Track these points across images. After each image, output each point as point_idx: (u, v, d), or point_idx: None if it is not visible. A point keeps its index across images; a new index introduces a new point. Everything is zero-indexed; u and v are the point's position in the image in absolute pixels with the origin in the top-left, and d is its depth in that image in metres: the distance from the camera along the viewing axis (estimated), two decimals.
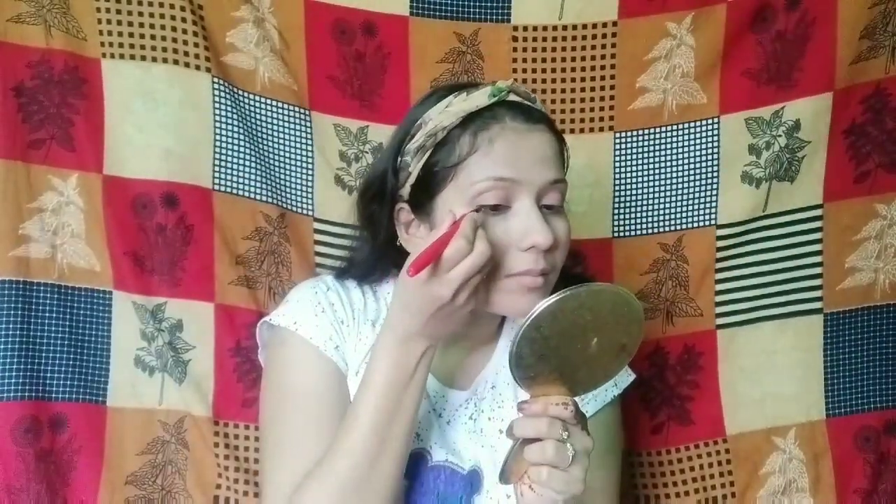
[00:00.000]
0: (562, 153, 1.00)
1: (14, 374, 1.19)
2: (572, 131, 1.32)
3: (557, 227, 0.95)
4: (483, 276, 0.90)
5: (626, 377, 1.13)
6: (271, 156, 1.29)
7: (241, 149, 1.27)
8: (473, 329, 1.02)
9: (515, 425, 0.87)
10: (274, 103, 1.28)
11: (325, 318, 1.02)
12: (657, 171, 1.33)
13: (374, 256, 1.04)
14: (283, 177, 1.29)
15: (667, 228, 1.34)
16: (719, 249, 1.33)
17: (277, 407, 1.02)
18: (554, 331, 0.84)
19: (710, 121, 1.32)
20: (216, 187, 1.27)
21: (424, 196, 0.97)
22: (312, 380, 1.01)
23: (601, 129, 1.33)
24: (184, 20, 1.23)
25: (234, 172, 1.27)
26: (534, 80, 1.31)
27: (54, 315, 1.22)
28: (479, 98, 0.96)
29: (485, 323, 1.04)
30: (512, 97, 0.98)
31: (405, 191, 0.99)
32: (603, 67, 1.31)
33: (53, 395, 1.21)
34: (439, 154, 0.96)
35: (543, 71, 1.31)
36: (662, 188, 1.33)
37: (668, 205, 1.33)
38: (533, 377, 0.86)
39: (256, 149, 1.28)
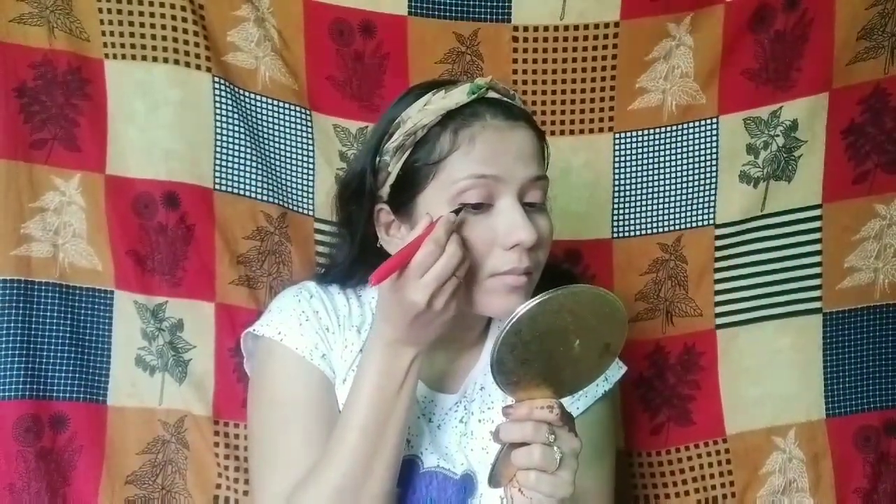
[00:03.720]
0: (542, 150, 0.99)
1: (15, 373, 1.19)
2: (572, 132, 1.32)
3: (540, 225, 0.95)
4: (460, 280, 0.89)
5: (616, 371, 1.11)
6: (272, 155, 1.29)
7: (242, 148, 1.27)
8: (460, 331, 1.01)
9: (501, 430, 0.87)
10: (275, 103, 1.28)
11: (310, 327, 1.02)
12: (657, 172, 1.33)
13: (354, 258, 1.03)
14: (284, 176, 1.29)
15: (666, 228, 1.34)
16: (718, 249, 1.33)
17: (266, 418, 1.01)
18: (534, 335, 0.83)
19: (709, 121, 1.32)
20: (217, 187, 1.27)
21: (405, 196, 0.96)
22: (300, 390, 1.00)
23: (601, 130, 1.33)
24: (185, 20, 1.23)
25: (235, 172, 1.27)
26: (534, 81, 1.31)
27: (56, 314, 1.22)
28: (458, 95, 0.95)
29: (471, 325, 1.04)
30: (491, 94, 0.97)
31: (385, 191, 0.98)
32: (604, 68, 1.31)
33: (54, 395, 1.21)
34: (419, 153, 0.94)
35: (544, 72, 1.31)
36: (662, 188, 1.33)
37: (667, 205, 1.33)
38: (516, 382, 0.85)
39: (257, 148, 1.28)
